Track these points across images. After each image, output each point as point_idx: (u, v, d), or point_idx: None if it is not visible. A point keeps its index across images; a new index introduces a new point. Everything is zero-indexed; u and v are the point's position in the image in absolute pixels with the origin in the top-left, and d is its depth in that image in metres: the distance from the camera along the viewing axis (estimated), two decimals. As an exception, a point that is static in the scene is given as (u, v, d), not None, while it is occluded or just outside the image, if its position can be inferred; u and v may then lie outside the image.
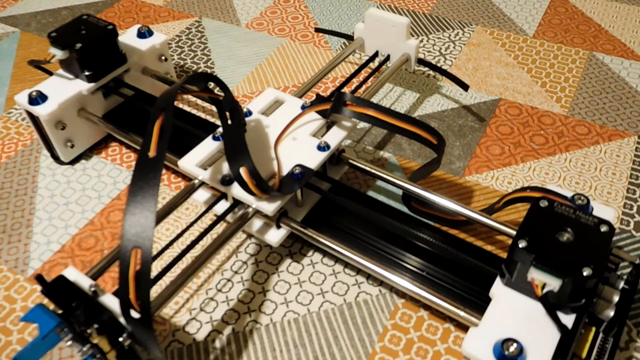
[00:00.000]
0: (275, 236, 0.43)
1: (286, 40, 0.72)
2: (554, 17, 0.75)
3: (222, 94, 0.43)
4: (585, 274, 0.32)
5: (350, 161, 0.48)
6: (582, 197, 0.38)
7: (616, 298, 0.35)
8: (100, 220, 0.50)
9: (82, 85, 0.52)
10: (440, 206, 0.43)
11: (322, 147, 0.44)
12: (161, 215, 0.42)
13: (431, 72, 0.66)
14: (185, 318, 0.43)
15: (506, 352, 0.32)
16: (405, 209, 0.48)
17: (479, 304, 0.39)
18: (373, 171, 0.47)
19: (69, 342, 0.31)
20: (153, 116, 0.36)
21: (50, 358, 0.40)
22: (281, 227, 0.43)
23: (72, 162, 0.56)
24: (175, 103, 0.63)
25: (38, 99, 0.50)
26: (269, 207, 0.40)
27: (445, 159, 0.55)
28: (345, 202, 0.47)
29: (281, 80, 0.66)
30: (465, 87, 0.59)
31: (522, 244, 0.34)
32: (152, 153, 0.35)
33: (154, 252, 0.39)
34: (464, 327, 0.41)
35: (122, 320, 0.32)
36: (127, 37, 0.59)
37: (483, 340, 0.33)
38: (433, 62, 0.65)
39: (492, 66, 0.67)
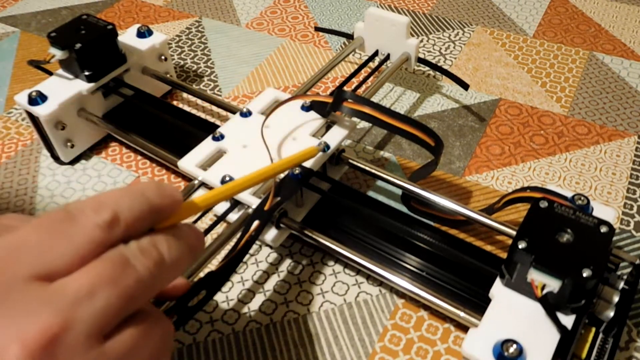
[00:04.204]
0: (275, 236, 0.43)
1: (286, 40, 0.72)
2: (554, 17, 0.75)
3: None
4: (585, 274, 0.32)
5: (350, 161, 0.48)
6: (582, 198, 0.38)
7: (616, 298, 0.35)
8: (100, 220, 0.50)
9: (81, 85, 0.52)
10: (440, 206, 0.43)
11: (322, 148, 0.44)
12: (161, 216, 0.42)
13: (431, 72, 0.66)
14: (185, 318, 0.43)
15: (506, 353, 0.32)
16: (405, 209, 0.48)
17: (478, 304, 0.39)
18: (373, 171, 0.47)
19: None
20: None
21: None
22: (281, 227, 0.43)
23: (72, 162, 0.56)
24: (175, 103, 0.63)
25: (38, 99, 0.50)
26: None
27: (445, 158, 0.55)
28: (345, 202, 0.47)
29: (281, 80, 0.66)
30: (465, 86, 0.59)
31: (521, 245, 0.34)
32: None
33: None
34: (464, 327, 0.41)
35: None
36: (127, 36, 0.59)
37: (483, 340, 0.33)
38: (433, 62, 0.65)
39: (492, 66, 0.67)
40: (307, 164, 0.43)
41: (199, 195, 0.30)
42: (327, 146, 0.45)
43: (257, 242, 0.47)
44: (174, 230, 0.27)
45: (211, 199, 0.30)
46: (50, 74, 0.54)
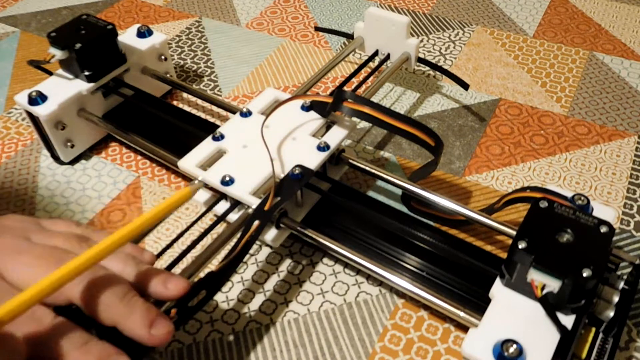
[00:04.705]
0: (275, 236, 0.43)
1: (286, 40, 0.72)
2: (554, 17, 0.75)
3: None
4: (585, 274, 0.32)
5: (350, 161, 0.48)
6: (582, 197, 0.38)
7: (616, 298, 0.35)
8: (100, 220, 0.50)
9: (81, 85, 0.52)
10: (440, 206, 0.43)
11: (322, 147, 0.45)
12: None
13: (431, 72, 0.66)
14: (185, 318, 0.43)
15: (506, 353, 0.32)
16: (405, 209, 0.48)
17: (479, 304, 0.39)
18: (373, 171, 0.47)
19: None
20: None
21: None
22: (281, 227, 0.43)
23: (72, 162, 0.56)
24: (175, 103, 0.63)
25: (38, 99, 0.50)
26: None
27: (445, 158, 0.55)
28: (345, 202, 0.47)
29: (281, 80, 0.66)
30: (465, 86, 0.59)
31: (521, 245, 0.34)
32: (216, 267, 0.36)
33: (155, 252, 0.39)
34: (464, 327, 0.41)
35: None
36: (127, 36, 0.59)
37: (483, 341, 0.33)
38: (433, 62, 0.65)
39: (492, 66, 0.67)
40: (307, 164, 0.43)
41: (4, 303, 0.25)
42: (327, 145, 0.45)
43: (257, 242, 0.47)
44: None
45: (18, 308, 0.25)
46: (50, 74, 0.54)
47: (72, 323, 0.28)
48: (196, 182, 0.42)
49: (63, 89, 0.52)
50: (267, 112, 0.47)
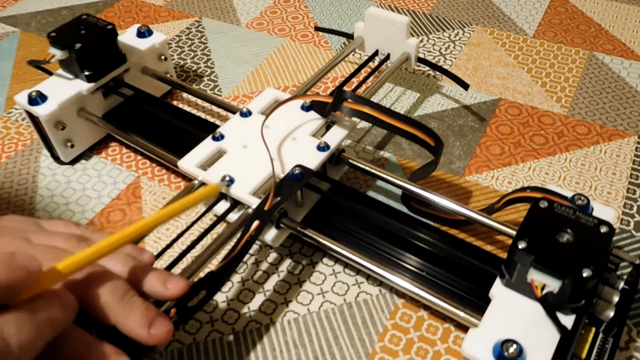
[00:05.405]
0: (275, 236, 0.43)
1: (286, 40, 0.72)
2: (554, 17, 0.75)
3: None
4: (585, 275, 0.32)
5: (350, 161, 0.48)
6: (582, 197, 0.38)
7: (616, 298, 0.35)
8: (100, 220, 0.50)
9: (81, 85, 0.52)
10: (440, 206, 0.43)
11: (321, 147, 0.45)
12: (161, 216, 0.42)
13: (431, 72, 0.66)
14: (185, 318, 0.43)
15: (506, 353, 0.32)
16: (405, 209, 0.48)
17: (479, 304, 0.39)
18: (373, 171, 0.47)
19: None
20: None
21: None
22: (281, 227, 0.43)
23: (72, 162, 0.56)
24: (175, 103, 0.63)
25: (38, 99, 0.50)
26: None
27: (445, 158, 0.55)
28: (345, 202, 0.47)
29: (281, 80, 0.66)
30: (465, 86, 0.59)
31: (521, 245, 0.34)
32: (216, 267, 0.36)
33: (155, 252, 0.39)
34: (464, 327, 0.41)
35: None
36: (127, 36, 0.59)
37: (483, 341, 0.33)
38: (433, 62, 0.65)
39: (492, 66, 0.67)
40: (307, 164, 0.43)
41: (65, 259, 0.27)
42: (327, 145, 0.45)
43: (257, 242, 0.47)
44: (31, 305, 0.25)
45: (77, 264, 0.27)
46: (50, 74, 0.54)
47: (72, 323, 0.28)
48: (221, 181, 0.42)
49: (63, 89, 0.52)
50: (267, 112, 0.47)
